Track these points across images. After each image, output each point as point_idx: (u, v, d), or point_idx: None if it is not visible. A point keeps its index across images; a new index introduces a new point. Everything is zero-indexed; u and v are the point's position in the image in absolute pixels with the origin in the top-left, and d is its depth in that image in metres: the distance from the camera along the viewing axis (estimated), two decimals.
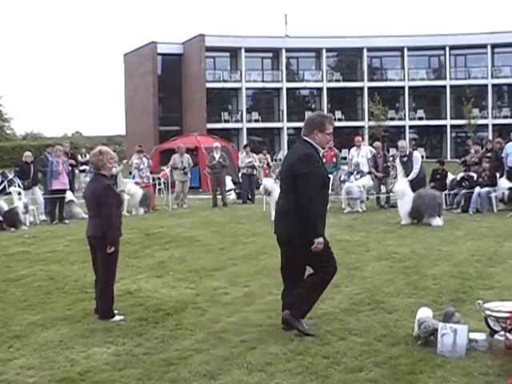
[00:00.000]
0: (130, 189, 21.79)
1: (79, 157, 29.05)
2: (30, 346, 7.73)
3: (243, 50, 64.71)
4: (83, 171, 30.63)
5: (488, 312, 7.38)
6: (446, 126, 66.54)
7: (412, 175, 18.73)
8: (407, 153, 19.48)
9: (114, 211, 8.89)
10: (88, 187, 9.54)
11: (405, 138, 60.09)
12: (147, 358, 7.17)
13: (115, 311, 8.90)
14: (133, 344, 7.69)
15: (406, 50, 66.13)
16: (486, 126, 64.54)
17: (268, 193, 19.74)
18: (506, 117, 65.50)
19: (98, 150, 9.12)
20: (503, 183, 20.27)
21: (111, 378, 6.62)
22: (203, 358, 7.15)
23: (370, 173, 22.82)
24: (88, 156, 30.00)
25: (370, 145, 24.40)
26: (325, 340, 7.63)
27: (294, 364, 6.88)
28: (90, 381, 6.58)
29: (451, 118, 65.88)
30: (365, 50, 66.35)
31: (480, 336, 7.31)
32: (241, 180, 27.98)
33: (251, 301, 9.64)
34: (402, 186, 18.26)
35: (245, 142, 62.38)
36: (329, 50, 66.69)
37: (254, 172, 25.32)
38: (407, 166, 19.13)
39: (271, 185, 19.90)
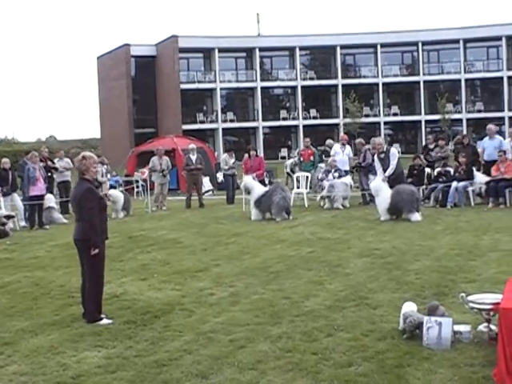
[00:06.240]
0: (112, 194, 21.81)
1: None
2: (20, 352, 7.78)
3: (217, 51, 64.72)
4: None
5: (472, 304, 7.53)
6: (420, 121, 67.02)
7: (389, 171, 18.85)
8: (384, 149, 19.61)
9: (97, 214, 8.94)
10: (73, 192, 9.62)
11: (380, 135, 60.45)
12: (138, 361, 7.25)
13: (102, 315, 8.97)
14: (123, 347, 7.77)
15: (379, 46, 66.52)
16: (460, 120, 65.08)
17: (248, 191, 19.82)
18: (479, 111, 66.14)
19: (81, 155, 9.19)
20: (480, 177, 20.54)
21: (104, 381, 6.69)
22: (194, 358, 7.25)
23: (351, 172, 23.16)
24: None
25: (348, 143, 24.59)
26: (312, 337, 7.77)
27: (283, 361, 7.00)
28: None
29: (425, 114, 66.36)
30: (338, 48, 66.58)
31: (464, 328, 7.48)
32: (220, 180, 28.42)
33: (237, 300, 9.74)
34: (376, 184, 18.45)
35: (220, 142, 62.66)
36: (302, 48, 66.88)
37: (236, 173, 25.48)
38: (384, 163, 19.26)
39: (251, 182, 19.96)
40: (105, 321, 8.85)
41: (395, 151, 19.75)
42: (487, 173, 20.56)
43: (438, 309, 7.58)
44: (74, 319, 9.08)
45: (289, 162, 31.48)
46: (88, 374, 6.92)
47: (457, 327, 7.47)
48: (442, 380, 6.31)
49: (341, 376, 6.49)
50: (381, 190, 18.02)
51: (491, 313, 7.40)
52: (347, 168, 23.08)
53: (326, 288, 10.26)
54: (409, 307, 7.83)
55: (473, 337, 7.43)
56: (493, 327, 7.36)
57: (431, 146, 24.05)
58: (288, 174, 29.94)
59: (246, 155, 25.25)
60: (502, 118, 62.97)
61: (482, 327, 7.51)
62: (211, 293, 10.35)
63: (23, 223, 20.65)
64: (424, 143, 33.04)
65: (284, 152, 62.79)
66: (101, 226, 8.97)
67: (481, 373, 6.44)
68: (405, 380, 6.35)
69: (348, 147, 24.31)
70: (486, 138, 21.63)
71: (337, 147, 23.95)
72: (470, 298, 7.62)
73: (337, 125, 64.45)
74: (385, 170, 18.87)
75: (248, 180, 20.24)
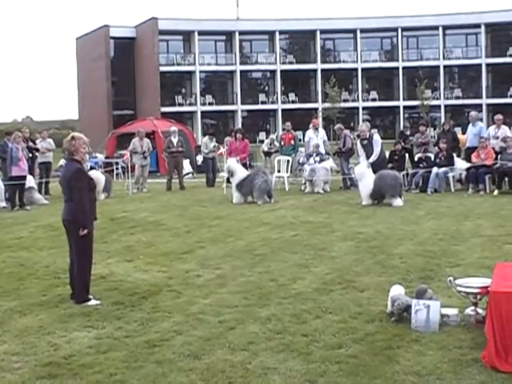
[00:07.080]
0: (93, 175, 21.65)
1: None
2: (10, 332, 7.78)
3: (196, 33, 64.47)
4: None
5: (459, 288, 7.63)
6: (398, 107, 67.26)
7: (373, 157, 18.91)
8: (367, 136, 19.67)
9: (86, 195, 8.96)
10: (62, 173, 9.62)
11: (358, 120, 60.64)
12: (129, 341, 7.28)
13: (90, 296, 8.97)
14: (113, 327, 7.79)
15: (358, 31, 66.56)
16: (439, 106, 65.38)
17: (231, 174, 19.78)
18: (457, 97, 66.50)
19: (70, 135, 9.17)
20: (460, 163, 20.70)
21: (97, 361, 6.71)
22: (185, 339, 7.29)
23: (328, 154, 23.17)
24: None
25: (325, 127, 24.64)
26: (302, 319, 7.83)
27: (274, 342, 7.06)
28: (76, 364, 6.66)
29: (404, 100, 66.59)
30: (318, 32, 66.55)
31: (451, 311, 7.58)
32: (199, 163, 28.47)
33: (224, 282, 9.79)
34: (361, 169, 18.53)
35: (199, 125, 62.50)
36: (282, 32, 66.90)
37: (216, 156, 25.53)
38: (367, 149, 19.33)
39: (235, 165, 19.93)
40: (93, 301, 8.86)
41: (378, 138, 19.85)
42: (467, 159, 20.73)
43: (426, 292, 7.67)
44: (61, 300, 9.09)
45: (265, 142, 30.92)
46: (80, 354, 6.93)
47: (444, 310, 7.57)
48: (432, 361, 6.40)
49: (332, 357, 6.57)
50: (365, 175, 18.08)
51: (478, 296, 7.52)
52: (323, 151, 22.98)
53: (312, 271, 10.34)
54: (396, 290, 7.91)
55: (460, 320, 7.54)
56: (480, 310, 7.47)
57: (407, 133, 24.37)
58: (264, 153, 29.06)
59: (228, 138, 25.32)
60: (480, 105, 63.31)
61: (469, 310, 7.61)
62: (198, 275, 10.39)
63: (3, 204, 20.52)
64: (401, 129, 33.32)
65: (262, 136, 62.55)
66: (90, 206, 9.00)
67: (470, 355, 6.54)
68: (395, 361, 6.44)
69: (322, 131, 24.30)
70: (469, 125, 21.83)
71: (310, 133, 23.79)
72: (458, 281, 7.72)
73: (316, 109, 64.45)
74: (368, 157, 18.95)
75: (231, 163, 20.19)
